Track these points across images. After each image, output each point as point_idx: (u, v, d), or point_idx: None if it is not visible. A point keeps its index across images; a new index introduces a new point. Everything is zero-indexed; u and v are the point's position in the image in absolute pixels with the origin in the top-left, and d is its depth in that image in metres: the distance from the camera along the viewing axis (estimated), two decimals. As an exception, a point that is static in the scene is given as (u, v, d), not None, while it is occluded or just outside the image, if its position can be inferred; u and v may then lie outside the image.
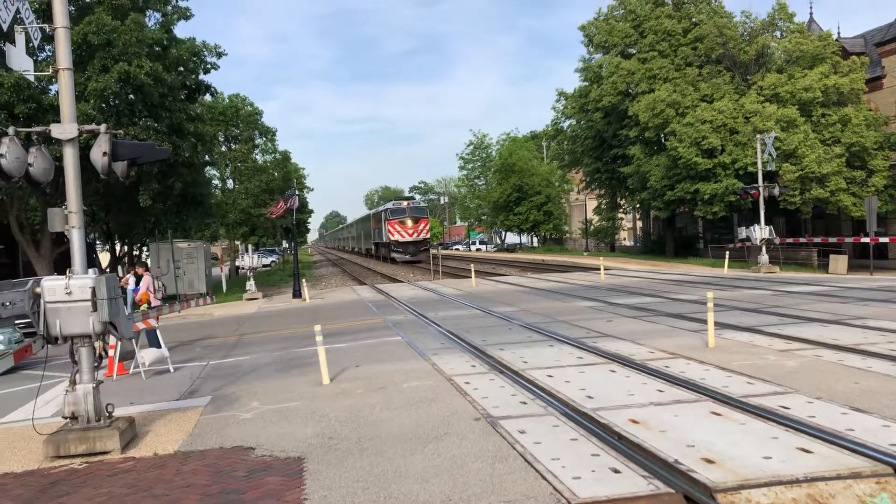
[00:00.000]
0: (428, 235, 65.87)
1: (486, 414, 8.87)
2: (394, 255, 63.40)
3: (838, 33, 47.96)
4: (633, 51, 50.43)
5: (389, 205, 67.97)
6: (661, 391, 9.47)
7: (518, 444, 7.54)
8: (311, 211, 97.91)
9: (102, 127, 8.97)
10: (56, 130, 8.87)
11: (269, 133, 63.56)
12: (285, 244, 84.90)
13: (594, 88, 51.14)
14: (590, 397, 9.31)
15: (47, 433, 8.73)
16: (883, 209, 37.73)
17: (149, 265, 22.12)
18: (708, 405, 8.62)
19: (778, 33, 45.34)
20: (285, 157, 70.25)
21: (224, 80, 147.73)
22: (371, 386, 11.11)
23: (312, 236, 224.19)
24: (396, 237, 63.23)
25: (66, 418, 8.79)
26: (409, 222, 62.98)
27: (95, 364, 8.94)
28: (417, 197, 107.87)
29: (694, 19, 48.32)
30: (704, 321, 13.21)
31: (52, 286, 8.46)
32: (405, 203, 65.79)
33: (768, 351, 11.87)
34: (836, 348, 11.68)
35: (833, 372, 10.08)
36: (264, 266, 68.44)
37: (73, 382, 8.75)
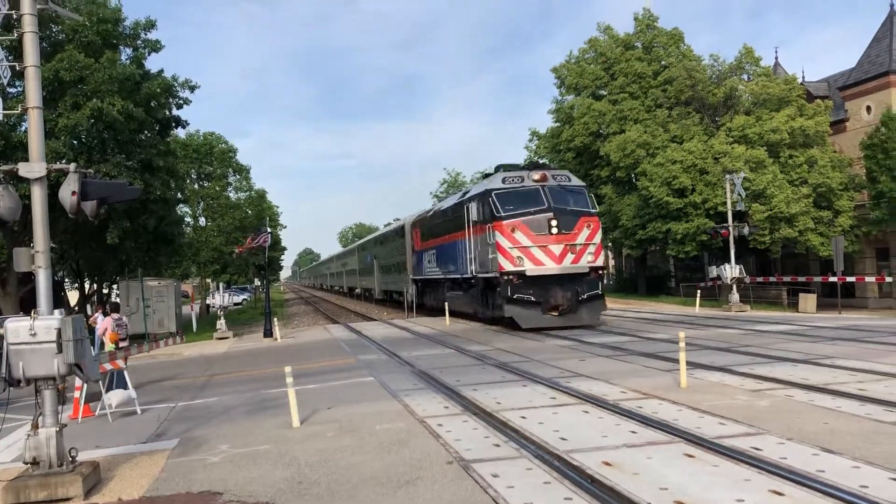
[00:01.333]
0: (599, 258, 25.83)
1: (459, 457, 8.77)
2: (512, 312, 24.82)
3: (803, 77, 49.35)
4: (603, 92, 51.27)
5: (492, 180, 27.59)
6: (634, 432, 9.45)
7: (491, 487, 7.45)
8: (284, 248, 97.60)
9: (72, 166, 8.88)
10: (24, 169, 8.76)
11: (242, 171, 63.48)
12: (257, 282, 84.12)
13: (566, 129, 51.82)
14: (563, 439, 9.25)
15: (7, 479, 8.49)
16: (849, 249, 38.43)
17: (119, 305, 21.49)
18: (681, 447, 8.60)
19: (745, 76, 46.44)
20: (261, 195, 70.08)
21: (199, 117, 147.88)
22: (343, 428, 10.95)
23: (285, 273, 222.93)
24: (523, 265, 24.54)
25: (27, 463, 8.55)
26: (558, 225, 24.50)
27: (60, 405, 8.73)
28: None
29: (663, 62, 49.30)
30: (676, 360, 13.25)
31: (15, 327, 8.28)
32: (536, 175, 26.10)
33: (740, 391, 11.91)
34: (807, 388, 11.76)
35: (803, 412, 10.13)
36: (236, 304, 67.86)
37: (35, 426, 8.52)
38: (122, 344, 17.98)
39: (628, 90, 48.59)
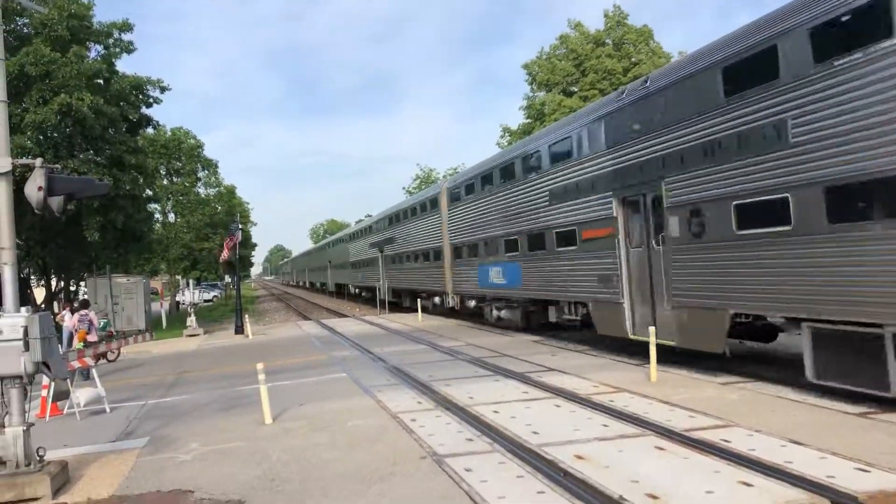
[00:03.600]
0: None
1: (433, 452, 8.78)
2: None
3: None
4: (574, 89, 51.51)
5: None
6: (605, 426, 9.53)
7: (464, 482, 7.48)
8: (255, 245, 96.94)
9: (38, 161, 8.74)
10: (-12, 164, 8.61)
11: (211, 166, 62.87)
12: (227, 278, 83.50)
13: (537, 125, 51.99)
14: (535, 433, 9.31)
15: (-27, 479, 8.32)
16: None
17: (88, 302, 21.83)
18: (652, 439, 8.69)
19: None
20: (230, 191, 69.54)
21: (169, 114, 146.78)
22: (315, 425, 10.91)
23: (256, 270, 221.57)
24: None
25: (-7, 463, 8.42)
26: None
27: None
28: None
29: (633, 59, 49.65)
30: (647, 356, 13.37)
31: (-19, 325, 8.14)
32: None
33: (709, 384, 12.06)
34: (776, 382, 11.92)
35: (772, 405, 10.28)
36: (206, 301, 67.24)
37: (1, 426, 8.39)
38: (90, 339, 17.94)
39: (598, 87, 48.86)
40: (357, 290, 54.19)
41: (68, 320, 19.55)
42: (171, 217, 59.75)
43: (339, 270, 61.92)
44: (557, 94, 50.83)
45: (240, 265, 35.81)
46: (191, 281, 51.17)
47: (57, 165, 9.46)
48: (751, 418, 9.43)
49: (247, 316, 32.53)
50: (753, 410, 9.94)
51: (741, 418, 9.45)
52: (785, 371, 12.55)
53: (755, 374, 12.57)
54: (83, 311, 19.36)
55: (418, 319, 29.92)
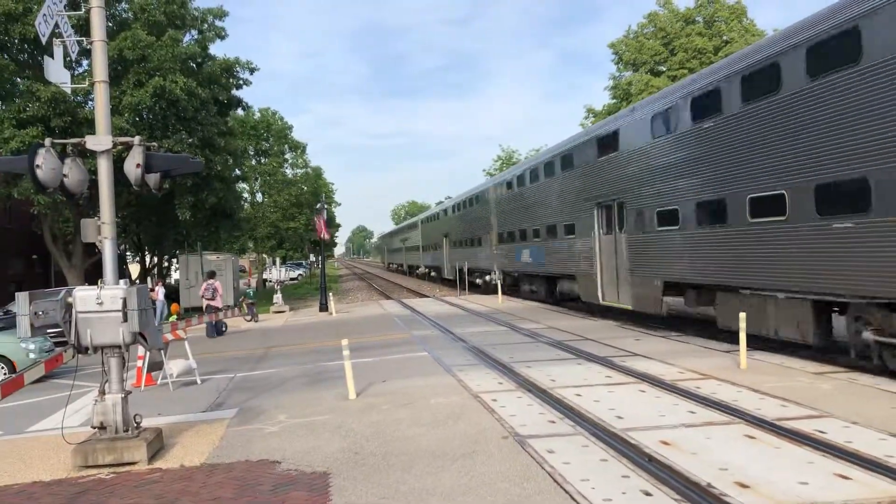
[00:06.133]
0: None
1: (514, 432, 8.76)
2: None
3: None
4: (662, 68, 50.18)
5: None
6: (692, 412, 9.30)
7: (546, 463, 7.43)
8: (339, 225, 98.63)
9: (136, 139, 9.06)
10: (91, 142, 8.97)
11: (298, 147, 64.19)
12: (312, 258, 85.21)
13: (623, 106, 50.94)
14: (619, 417, 9.17)
15: (76, 443, 8.77)
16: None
17: (215, 273, 26.87)
18: (741, 427, 8.44)
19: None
20: (317, 173, 70.85)
21: (256, 96, 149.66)
22: (398, 401, 11.04)
23: (339, 250, 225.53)
24: None
25: (94, 428, 8.84)
26: None
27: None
28: None
29: (725, 37, 48.00)
30: (735, 342, 12.98)
31: (83, 296, 8.52)
32: None
33: (801, 373, 11.63)
34: (871, 373, 11.40)
35: (869, 396, 9.84)
36: (291, 279, 68.87)
37: (102, 392, 8.79)
38: (214, 304, 23.68)
39: (688, 66, 47.43)
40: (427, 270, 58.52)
41: (161, 296, 22.74)
42: (259, 197, 61.33)
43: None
44: (645, 74, 49.62)
45: (324, 244, 36.51)
46: (277, 259, 52.47)
47: (154, 143, 9.77)
48: (846, 409, 9.03)
49: (330, 294, 33.14)
50: (849, 401, 9.52)
51: (836, 409, 9.06)
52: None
53: (849, 364, 12.04)
54: (210, 281, 24.16)
55: (498, 301, 29.87)
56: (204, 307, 24.35)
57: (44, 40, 9.24)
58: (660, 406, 9.75)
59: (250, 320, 28.79)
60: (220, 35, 32.75)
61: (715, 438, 8.03)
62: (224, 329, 24.65)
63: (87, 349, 8.59)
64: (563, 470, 7.18)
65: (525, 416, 9.56)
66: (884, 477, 6.50)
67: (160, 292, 27.65)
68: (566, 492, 6.60)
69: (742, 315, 12.75)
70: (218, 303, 23.96)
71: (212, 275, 25.71)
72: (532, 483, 6.91)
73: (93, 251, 27.99)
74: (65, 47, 9.34)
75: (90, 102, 27.68)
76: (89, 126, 24.21)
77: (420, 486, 7.02)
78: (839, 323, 12.46)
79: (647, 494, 6.44)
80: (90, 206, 27.48)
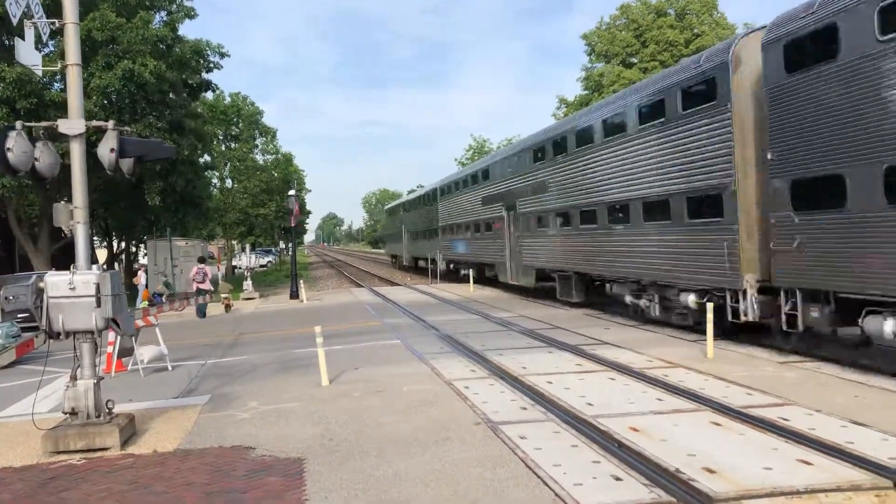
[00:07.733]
0: None
1: (487, 419, 8.88)
2: None
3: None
4: (634, 60, 50.59)
5: None
6: (660, 400, 9.49)
7: (519, 449, 7.56)
8: (309, 212, 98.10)
9: (111, 123, 8.99)
10: (64, 126, 8.88)
11: (269, 133, 63.69)
12: (282, 244, 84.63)
13: (595, 97, 51.24)
14: (589, 404, 9.33)
15: (46, 428, 8.71)
16: None
17: (205, 258, 28.71)
18: (708, 415, 8.64)
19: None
20: (288, 159, 70.31)
21: (227, 82, 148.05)
22: (370, 389, 11.11)
23: (309, 237, 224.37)
24: None
25: (65, 413, 8.78)
26: None
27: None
28: None
29: (696, 30, 48.51)
30: (702, 332, 13.23)
31: (55, 281, 8.46)
32: None
33: (767, 363, 11.89)
34: (835, 363, 11.71)
35: (832, 385, 10.11)
36: (261, 266, 68.44)
37: (73, 378, 8.74)
38: (203, 287, 25.37)
39: (659, 58, 47.90)
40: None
41: (143, 280, 24.75)
42: (228, 183, 60.78)
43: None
44: (617, 66, 50.00)
45: (294, 231, 36.36)
46: (247, 246, 52.09)
47: (127, 128, 9.68)
48: (810, 397, 9.28)
49: (301, 281, 33.05)
50: (812, 390, 9.78)
51: (800, 397, 9.31)
52: (846, 352, 12.31)
53: (814, 354, 12.34)
54: (200, 265, 25.90)
55: (470, 290, 30.02)
56: (195, 290, 25.50)
57: (14, 21, 9.09)
58: (629, 393, 9.94)
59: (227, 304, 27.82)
60: (190, 14, 32.29)
61: (683, 425, 8.22)
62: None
63: (58, 334, 8.53)
64: (534, 455, 7.31)
65: (497, 403, 9.68)
66: (844, 462, 6.71)
67: (143, 277, 27.71)
68: (538, 477, 6.72)
69: (710, 305, 13.02)
70: (207, 286, 25.64)
71: (202, 260, 27.64)
72: (504, 468, 7.03)
73: (58, 235, 27.58)
74: (36, 29, 9.21)
75: (56, 84, 27.23)
76: (56, 108, 23.82)
77: (393, 472, 7.10)
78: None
79: (618, 479, 6.58)
80: (57, 189, 27.09)
